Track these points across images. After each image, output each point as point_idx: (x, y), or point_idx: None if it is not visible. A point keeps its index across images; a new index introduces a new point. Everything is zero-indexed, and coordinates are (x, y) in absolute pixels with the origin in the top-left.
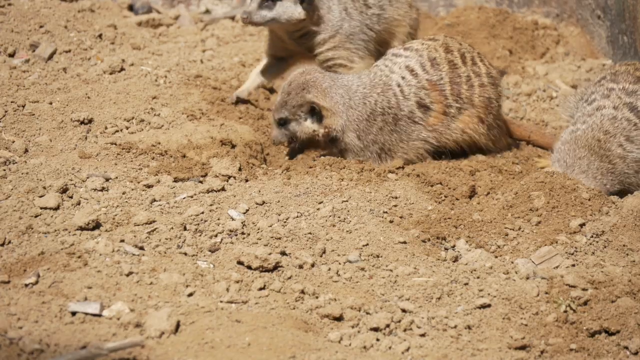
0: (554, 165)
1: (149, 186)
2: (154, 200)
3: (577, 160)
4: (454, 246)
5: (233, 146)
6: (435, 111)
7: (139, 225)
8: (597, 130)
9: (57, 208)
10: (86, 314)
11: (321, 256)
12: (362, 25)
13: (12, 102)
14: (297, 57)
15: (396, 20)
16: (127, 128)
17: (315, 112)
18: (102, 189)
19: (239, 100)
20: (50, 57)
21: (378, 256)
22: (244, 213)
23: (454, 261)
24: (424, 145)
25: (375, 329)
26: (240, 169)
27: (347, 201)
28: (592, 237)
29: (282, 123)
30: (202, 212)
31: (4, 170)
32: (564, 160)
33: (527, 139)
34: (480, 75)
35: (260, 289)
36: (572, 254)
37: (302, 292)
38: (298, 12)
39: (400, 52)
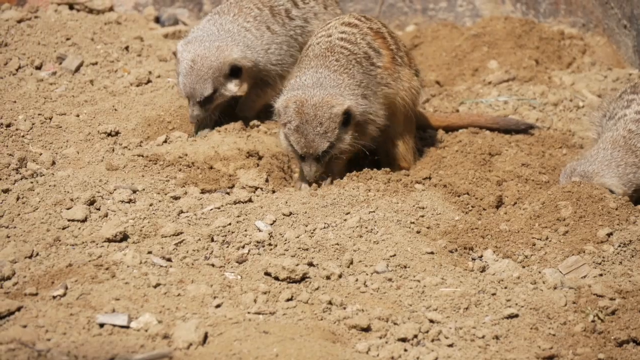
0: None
1: (176, 198)
2: (181, 211)
3: (601, 151)
4: (481, 256)
5: (260, 157)
6: (385, 56)
7: (166, 236)
8: (621, 130)
9: (84, 220)
10: (114, 325)
11: (348, 267)
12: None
13: (39, 114)
14: None
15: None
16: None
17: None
18: (130, 201)
19: None
20: (77, 69)
21: (405, 267)
22: (271, 224)
23: (481, 271)
24: (388, 90)
25: (403, 340)
26: (267, 180)
27: (374, 212)
28: (619, 246)
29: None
30: (230, 224)
31: (32, 182)
32: (585, 158)
33: (447, 126)
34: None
35: (288, 300)
36: (600, 263)
37: (330, 303)
38: (235, 87)
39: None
